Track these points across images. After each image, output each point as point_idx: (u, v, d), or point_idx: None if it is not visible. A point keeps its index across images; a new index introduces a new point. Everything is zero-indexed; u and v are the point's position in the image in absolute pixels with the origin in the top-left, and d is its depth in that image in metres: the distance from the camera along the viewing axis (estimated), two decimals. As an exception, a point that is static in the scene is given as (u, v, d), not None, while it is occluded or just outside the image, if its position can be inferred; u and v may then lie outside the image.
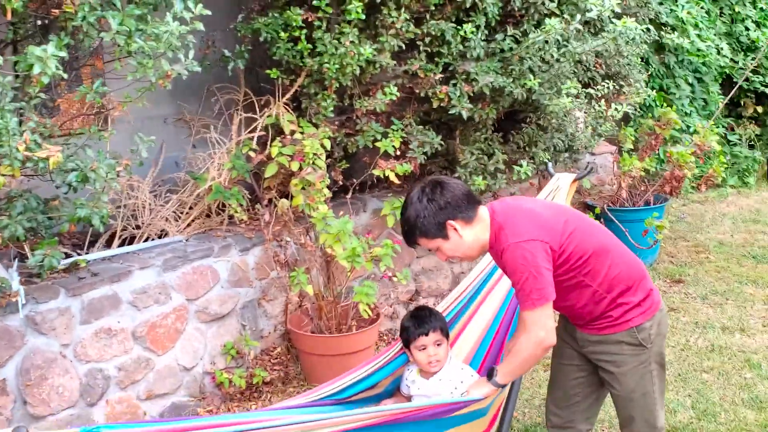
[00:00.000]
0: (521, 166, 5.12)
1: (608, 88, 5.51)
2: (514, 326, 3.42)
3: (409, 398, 3.29)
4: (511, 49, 4.96)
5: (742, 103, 10.00)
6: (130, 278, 4.09)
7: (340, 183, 5.00)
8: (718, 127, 8.48)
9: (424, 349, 3.14)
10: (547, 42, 4.97)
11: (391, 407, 2.94)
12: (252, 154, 4.70)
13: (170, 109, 5.08)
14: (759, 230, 7.66)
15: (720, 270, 6.55)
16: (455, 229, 2.80)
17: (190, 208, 4.81)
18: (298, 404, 3.03)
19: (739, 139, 9.71)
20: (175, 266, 4.32)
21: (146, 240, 4.56)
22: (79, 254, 4.20)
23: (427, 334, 3.12)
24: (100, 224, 3.59)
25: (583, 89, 5.38)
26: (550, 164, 4.24)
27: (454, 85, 4.84)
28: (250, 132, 4.80)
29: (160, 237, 4.63)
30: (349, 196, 5.07)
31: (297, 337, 4.71)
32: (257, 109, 4.87)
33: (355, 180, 5.20)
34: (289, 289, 4.69)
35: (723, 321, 5.50)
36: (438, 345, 3.15)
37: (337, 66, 4.44)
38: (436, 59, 4.88)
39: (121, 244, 4.48)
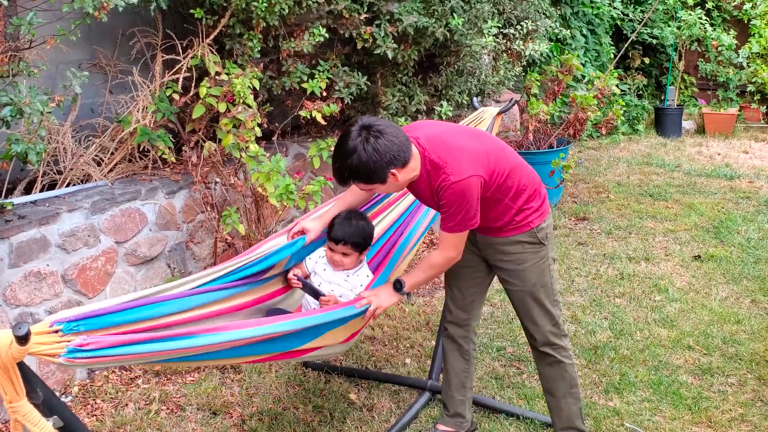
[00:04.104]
0: (441, 106, 5.26)
1: (526, 28, 5.69)
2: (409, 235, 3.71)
3: (308, 276, 3.38)
4: (433, -11, 5.02)
5: (629, 55, 10.49)
6: (58, 221, 4.02)
7: (265, 126, 5.00)
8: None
9: (332, 250, 3.27)
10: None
11: (290, 322, 2.89)
12: (176, 96, 4.65)
13: (84, 54, 4.95)
14: (652, 172, 8.13)
15: (620, 207, 6.93)
16: (395, 175, 2.85)
17: (112, 153, 4.73)
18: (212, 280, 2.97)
19: (629, 89, 10.21)
20: (103, 209, 4.27)
21: (68, 185, 4.48)
22: None
23: (336, 243, 3.24)
24: (36, 160, 3.51)
25: (501, 30, 5.54)
26: (475, 99, 4.40)
27: (378, 25, 4.89)
28: (173, 74, 4.74)
29: (82, 182, 4.55)
30: (275, 138, 5.09)
31: (229, 277, 4.71)
32: (180, 51, 4.80)
33: (278, 125, 5.22)
34: (219, 229, 4.70)
35: (628, 252, 5.85)
36: (344, 255, 3.26)
37: (265, 4, 4.41)
38: (360, -1, 4.90)
39: (42, 190, 4.38)
